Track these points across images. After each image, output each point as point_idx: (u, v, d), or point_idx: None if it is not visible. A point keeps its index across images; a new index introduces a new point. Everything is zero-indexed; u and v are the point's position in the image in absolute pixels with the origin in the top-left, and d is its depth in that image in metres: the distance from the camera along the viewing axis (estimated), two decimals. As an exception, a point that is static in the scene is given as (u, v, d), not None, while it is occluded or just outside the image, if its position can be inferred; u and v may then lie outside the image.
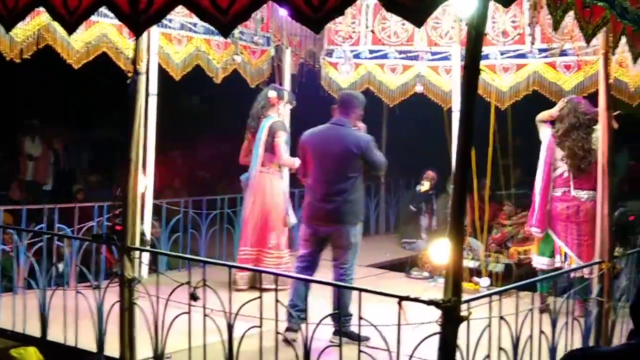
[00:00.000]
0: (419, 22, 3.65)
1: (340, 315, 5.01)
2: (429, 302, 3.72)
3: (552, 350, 4.93)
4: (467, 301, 3.86)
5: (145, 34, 5.29)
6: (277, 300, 4.43)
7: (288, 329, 5.35)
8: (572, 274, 5.80)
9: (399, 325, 3.84)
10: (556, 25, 4.45)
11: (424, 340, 3.91)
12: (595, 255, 6.38)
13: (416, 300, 3.80)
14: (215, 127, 10.74)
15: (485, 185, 8.59)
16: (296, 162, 6.94)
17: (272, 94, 7.59)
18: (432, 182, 10.40)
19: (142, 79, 4.80)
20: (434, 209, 10.40)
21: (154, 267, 5.84)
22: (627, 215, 7.64)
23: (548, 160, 6.90)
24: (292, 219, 7.63)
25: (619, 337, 5.80)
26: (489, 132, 7.92)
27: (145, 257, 6.65)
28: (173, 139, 10.65)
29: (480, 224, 8.40)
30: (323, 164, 6.03)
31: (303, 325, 4.53)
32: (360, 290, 4.12)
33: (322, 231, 6.06)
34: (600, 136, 6.47)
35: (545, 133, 7.00)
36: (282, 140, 7.38)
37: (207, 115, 11.44)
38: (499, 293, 4.34)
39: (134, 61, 4.76)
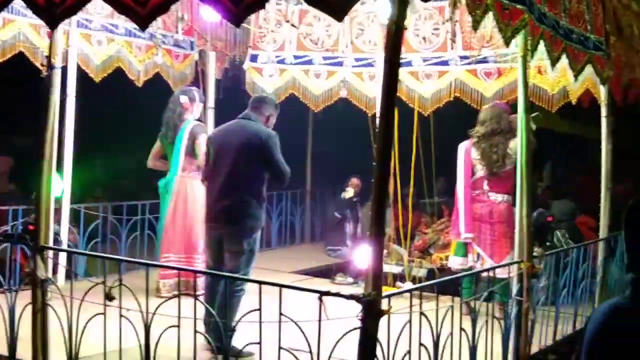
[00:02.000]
0: (339, 16, 3.65)
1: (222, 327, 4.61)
2: (349, 297, 3.70)
3: (473, 349, 4.95)
4: (388, 296, 3.85)
5: (63, 33, 5.21)
6: (195, 297, 4.35)
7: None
8: (490, 275, 5.84)
9: (319, 320, 3.79)
10: (475, 25, 4.49)
11: (344, 335, 3.87)
12: (508, 255, 6.53)
13: (337, 295, 3.77)
14: (137, 132, 10.54)
15: (409, 193, 8.69)
16: None
17: (183, 99, 7.50)
18: (357, 189, 10.43)
19: (57, 72, 4.67)
20: (359, 216, 10.42)
21: (68, 267, 5.63)
22: (545, 215, 7.82)
23: (468, 165, 7.01)
24: None
25: (539, 337, 5.92)
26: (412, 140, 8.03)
27: (62, 260, 6.48)
28: (93, 144, 10.41)
29: (403, 231, 8.47)
30: (222, 157, 5.69)
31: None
32: (280, 286, 4.06)
33: (216, 232, 5.70)
34: (518, 142, 6.67)
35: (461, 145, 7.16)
36: (204, 142, 7.26)
37: (129, 120, 11.24)
38: (420, 289, 4.34)
39: (49, 55, 4.63)
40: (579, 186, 11.04)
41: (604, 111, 7.16)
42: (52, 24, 4.26)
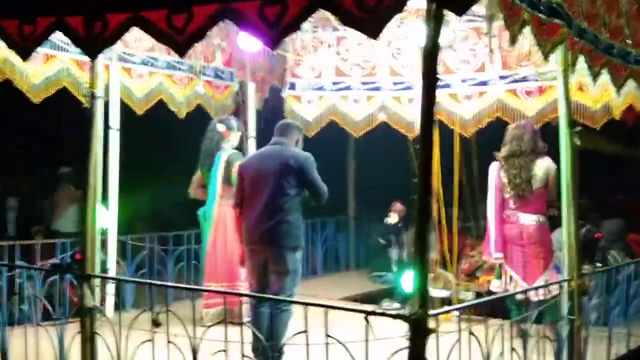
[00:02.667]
0: (374, 34, 3.65)
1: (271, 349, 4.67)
2: (396, 316, 3.65)
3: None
4: (435, 315, 3.80)
5: (105, 68, 5.30)
6: (241, 323, 4.34)
7: None
8: (537, 298, 5.74)
9: (366, 341, 3.76)
10: (513, 40, 4.46)
11: (392, 355, 3.83)
12: (541, 276, 6.39)
13: (383, 314, 3.74)
14: (181, 163, 10.63)
15: (454, 216, 8.64)
16: None
17: (221, 127, 7.57)
18: (401, 214, 10.38)
19: (99, 102, 4.74)
20: (403, 241, 10.34)
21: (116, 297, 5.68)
22: (593, 232, 7.69)
23: (498, 186, 6.93)
24: None
25: (592, 358, 5.78)
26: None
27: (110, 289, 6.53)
28: (138, 176, 10.47)
29: (449, 255, 8.40)
30: (260, 182, 5.86)
31: None
32: (326, 306, 4.04)
33: (260, 255, 5.84)
34: (546, 165, 6.62)
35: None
36: None
37: (172, 151, 11.33)
38: (467, 308, 4.28)
39: (91, 84, 4.71)
40: (623, 204, 10.83)
41: (649, 127, 7.05)
42: (93, 55, 4.36)
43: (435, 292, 8.08)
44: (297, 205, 5.83)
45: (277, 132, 6.13)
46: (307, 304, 4.14)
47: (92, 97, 4.70)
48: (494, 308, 6.35)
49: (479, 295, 8.43)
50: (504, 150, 6.93)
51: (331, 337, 3.93)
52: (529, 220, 6.79)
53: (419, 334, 3.58)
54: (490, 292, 8.38)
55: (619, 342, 6.35)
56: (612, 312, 6.37)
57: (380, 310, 3.80)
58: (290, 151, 5.94)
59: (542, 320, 6.09)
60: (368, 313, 3.77)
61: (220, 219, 7.39)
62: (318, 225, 10.73)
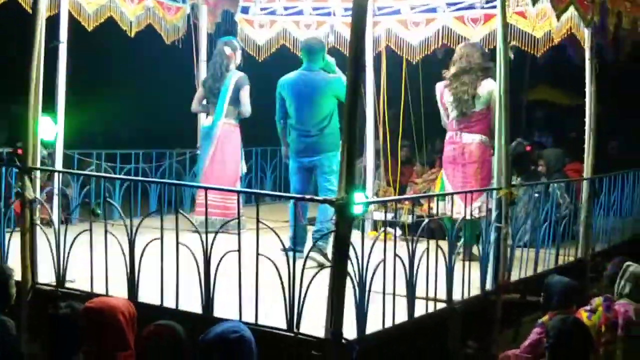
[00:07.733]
0: None
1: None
2: (323, 201, 3.83)
3: (450, 270, 5.09)
4: (362, 203, 3.98)
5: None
6: (177, 211, 4.47)
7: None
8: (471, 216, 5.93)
9: (295, 225, 3.94)
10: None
11: (320, 238, 4.01)
12: (479, 197, 6.57)
13: (311, 199, 3.91)
14: (130, 81, 10.56)
15: (403, 146, 8.84)
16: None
17: (227, 50, 8.04)
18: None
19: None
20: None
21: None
22: (524, 145, 7.89)
23: (442, 106, 7.09)
24: (244, 168, 8.27)
25: (519, 264, 6.06)
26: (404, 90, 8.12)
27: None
28: (87, 91, 10.38)
29: (393, 184, 8.61)
30: (302, 104, 6.64)
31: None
32: (257, 194, 4.20)
33: (307, 160, 6.56)
34: (489, 86, 6.73)
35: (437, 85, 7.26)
36: (248, 93, 7.93)
37: (121, 69, 11.24)
38: (396, 201, 4.47)
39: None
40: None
41: (587, 54, 7.22)
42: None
43: (379, 214, 8.28)
44: (335, 118, 6.67)
45: (306, 57, 6.83)
46: (239, 192, 4.30)
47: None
48: (434, 233, 6.49)
49: (419, 217, 8.63)
50: (453, 68, 7.04)
51: (261, 222, 4.10)
52: (470, 139, 6.91)
53: (344, 217, 3.78)
54: (430, 216, 8.63)
55: (547, 259, 6.63)
56: (540, 230, 6.62)
57: (308, 196, 3.95)
58: (321, 76, 6.72)
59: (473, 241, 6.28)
60: (297, 199, 3.95)
61: (222, 135, 7.93)
62: (268, 154, 10.77)
